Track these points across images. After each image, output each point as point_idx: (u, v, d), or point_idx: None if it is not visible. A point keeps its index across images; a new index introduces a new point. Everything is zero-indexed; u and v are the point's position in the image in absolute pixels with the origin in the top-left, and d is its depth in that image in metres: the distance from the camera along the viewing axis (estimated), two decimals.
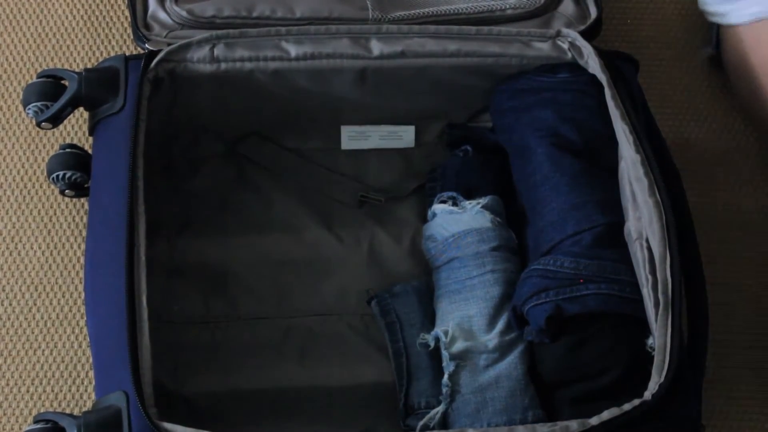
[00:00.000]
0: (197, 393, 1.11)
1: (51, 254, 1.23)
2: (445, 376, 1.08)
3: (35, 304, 1.21)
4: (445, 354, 1.09)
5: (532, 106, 1.18)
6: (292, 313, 1.16)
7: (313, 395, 1.13)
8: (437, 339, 1.10)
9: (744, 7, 1.24)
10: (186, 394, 1.11)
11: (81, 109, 1.14)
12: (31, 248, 1.23)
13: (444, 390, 1.08)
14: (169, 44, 1.13)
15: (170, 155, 1.22)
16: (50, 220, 1.24)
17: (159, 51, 1.12)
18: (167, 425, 0.94)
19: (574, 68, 1.17)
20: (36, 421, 0.99)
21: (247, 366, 1.13)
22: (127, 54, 1.15)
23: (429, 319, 1.14)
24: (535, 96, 1.18)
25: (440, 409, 1.07)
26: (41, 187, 1.26)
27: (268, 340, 1.15)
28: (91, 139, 1.13)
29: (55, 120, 1.12)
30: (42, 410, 1.15)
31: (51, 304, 1.21)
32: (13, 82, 1.31)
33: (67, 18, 1.35)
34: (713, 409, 1.20)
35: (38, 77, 1.14)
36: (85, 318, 1.17)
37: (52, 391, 1.17)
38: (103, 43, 1.34)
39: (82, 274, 1.21)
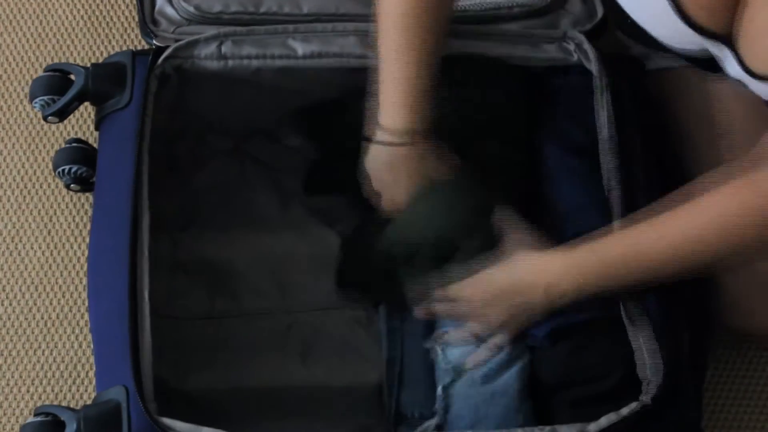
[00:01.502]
0: (199, 389, 1.11)
1: (51, 254, 1.22)
2: (439, 388, 1.07)
3: (35, 304, 1.20)
4: (441, 365, 1.08)
5: (540, 106, 1.18)
6: (295, 308, 1.16)
7: (314, 393, 1.13)
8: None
9: (656, 62, 1.20)
10: (188, 390, 1.10)
11: (86, 104, 1.14)
12: (32, 248, 1.23)
13: (438, 402, 1.07)
14: (176, 40, 1.13)
15: (175, 151, 1.22)
16: (50, 220, 1.24)
17: (166, 47, 1.12)
18: (166, 420, 0.94)
19: (584, 70, 1.17)
20: (36, 414, 0.98)
21: (249, 363, 1.13)
22: None
23: (430, 329, 1.13)
24: (542, 96, 1.18)
25: (434, 421, 1.07)
26: (41, 186, 1.25)
27: (271, 337, 1.15)
28: (96, 134, 1.12)
29: (62, 114, 1.12)
30: None
31: (51, 303, 1.20)
32: (13, 82, 1.31)
33: (67, 18, 1.35)
34: (713, 413, 1.21)
35: (45, 71, 1.14)
36: (85, 317, 1.17)
37: (52, 390, 1.17)
38: (103, 43, 1.34)
39: (82, 274, 1.20)
